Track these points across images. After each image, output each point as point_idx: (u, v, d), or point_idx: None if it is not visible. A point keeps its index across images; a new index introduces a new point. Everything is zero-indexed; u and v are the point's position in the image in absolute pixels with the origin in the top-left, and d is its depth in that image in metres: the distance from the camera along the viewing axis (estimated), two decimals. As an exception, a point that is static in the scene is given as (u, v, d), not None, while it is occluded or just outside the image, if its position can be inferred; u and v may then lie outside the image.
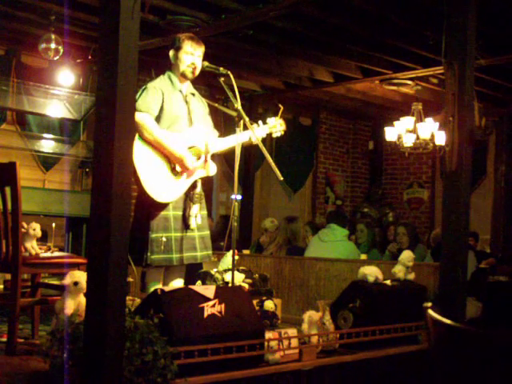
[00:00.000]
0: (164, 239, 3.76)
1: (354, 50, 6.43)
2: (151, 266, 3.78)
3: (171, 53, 3.97)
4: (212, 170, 3.99)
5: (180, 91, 3.98)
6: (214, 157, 4.05)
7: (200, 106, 4.10)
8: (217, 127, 4.23)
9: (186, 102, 3.99)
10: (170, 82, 3.96)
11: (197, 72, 3.98)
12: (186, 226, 3.87)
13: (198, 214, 3.89)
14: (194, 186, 3.91)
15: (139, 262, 3.78)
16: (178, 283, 3.94)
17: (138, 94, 3.78)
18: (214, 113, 4.52)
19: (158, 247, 3.75)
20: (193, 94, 4.07)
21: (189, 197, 3.88)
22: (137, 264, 3.81)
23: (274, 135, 4.25)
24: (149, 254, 3.74)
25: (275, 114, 4.27)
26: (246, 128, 3.94)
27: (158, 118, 3.83)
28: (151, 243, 3.75)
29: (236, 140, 3.88)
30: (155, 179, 3.74)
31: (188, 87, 4.05)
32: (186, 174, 3.87)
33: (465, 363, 1.71)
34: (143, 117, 3.74)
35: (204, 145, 3.94)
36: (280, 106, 4.23)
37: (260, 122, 4.17)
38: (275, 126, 4.22)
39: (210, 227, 4.20)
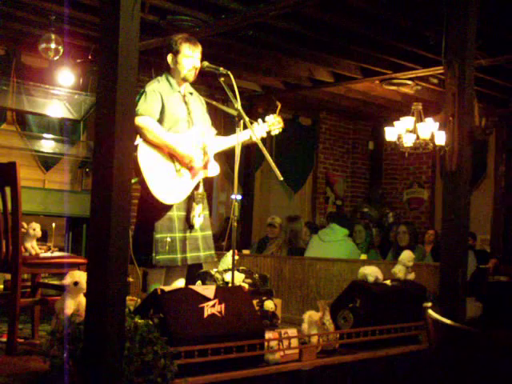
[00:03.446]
0: (169, 239, 3.76)
1: (354, 50, 6.43)
2: (156, 266, 3.78)
3: (169, 57, 3.93)
4: (214, 170, 3.99)
5: (178, 92, 3.97)
6: (215, 157, 4.05)
7: (198, 104, 4.09)
8: (216, 127, 4.23)
9: (185, 102, 3.98)
10: (169, 84, 3.93)
11: (196, 73, 3.98)
12: (189, 226, 3.87)
13: (200, 214, 3.90)
14: (196, 186, 3.91)
15: (144, 262, 3.78)
16: (180, 283, 3.94)
17: (137, 98, 3.74)
18: (214, 112, 4.52)
19: (162, 248, 3.75)
20: (190, 93, 4.06)
21: (192, 197, 3.88)
22: (142, 265, 3.81)
23: (273, 133, 4.26)
24: (154, 254, 3.73)
25: (273, 112, 4.27)
26: (245, 127, 3.94)
27: (159, 121, 3.81)
28: (156, 244, 3.75)
29: (236, 140, 3.88)
30: (162, 182, 3.74)
31: (186, 87, 4.04)
32: (191, 174, 3.86)
33: (465, 363, 1.71)
34: (145, 120, 3.73)
35: (204, 146, 3.94)
36: (278, 103, 4.23)
37: (260, 120, 4.18)
38: (274, 123, 4.23)
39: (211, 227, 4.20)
